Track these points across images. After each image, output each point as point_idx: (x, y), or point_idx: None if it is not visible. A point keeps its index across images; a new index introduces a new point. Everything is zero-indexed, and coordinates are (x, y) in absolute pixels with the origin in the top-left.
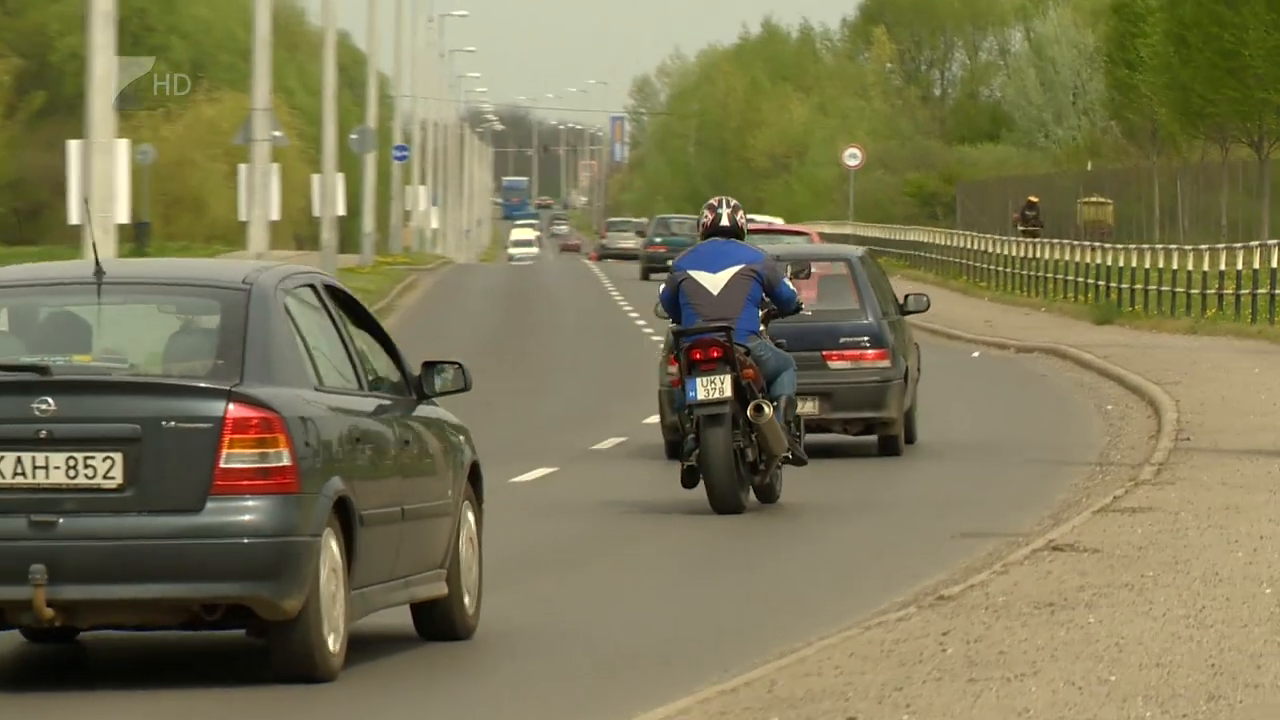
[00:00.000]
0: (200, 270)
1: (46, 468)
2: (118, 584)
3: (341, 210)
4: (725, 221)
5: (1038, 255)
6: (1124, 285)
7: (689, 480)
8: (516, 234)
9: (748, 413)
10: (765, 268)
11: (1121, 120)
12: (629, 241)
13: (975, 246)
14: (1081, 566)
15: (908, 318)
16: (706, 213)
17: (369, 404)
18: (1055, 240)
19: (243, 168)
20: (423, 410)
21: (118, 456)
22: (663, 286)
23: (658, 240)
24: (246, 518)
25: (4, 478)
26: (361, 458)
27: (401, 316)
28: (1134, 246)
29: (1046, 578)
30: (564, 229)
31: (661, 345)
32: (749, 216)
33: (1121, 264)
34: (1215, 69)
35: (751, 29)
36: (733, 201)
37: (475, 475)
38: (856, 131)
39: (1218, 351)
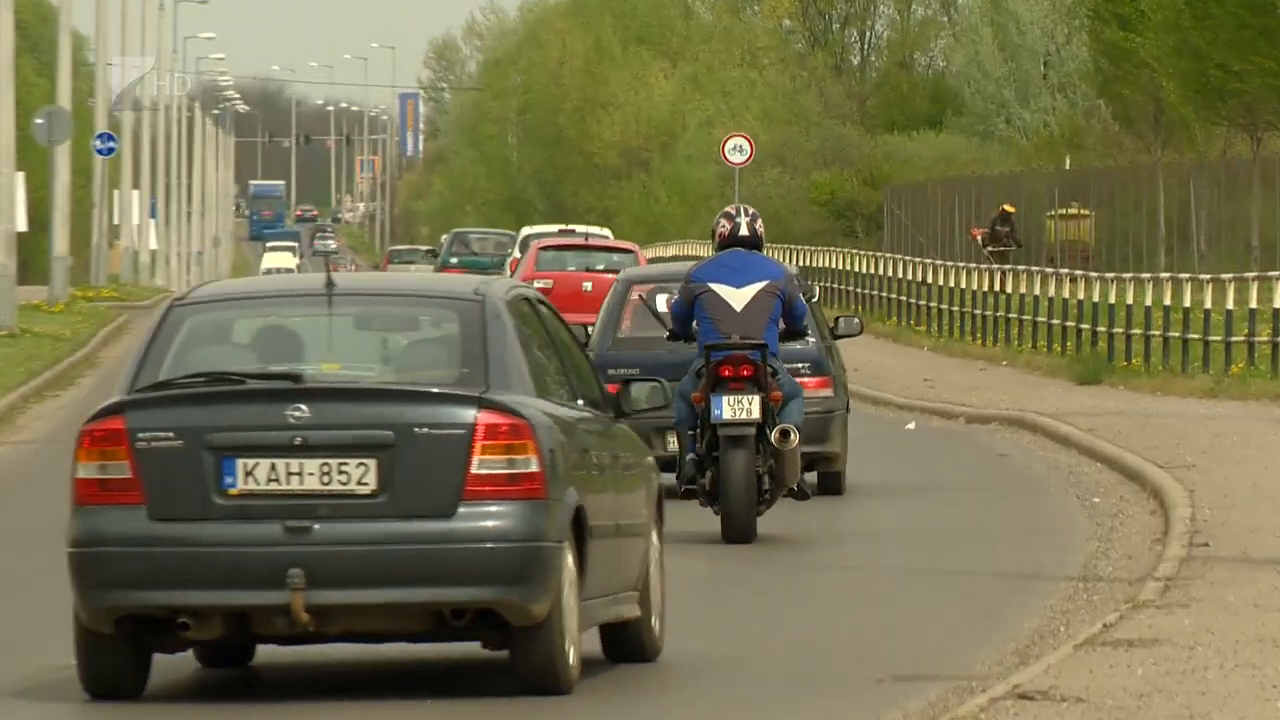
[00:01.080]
0: (427, 283)
1: (301, 474)
2: (372, 588)
3: (22, 225)
4: (744, 231)
5: (996, 288)
6: (1116, 329)
7: (689, 496)
8: (270, 260)
9: (773, 437)
10: (787, 284)
11: (1112, 99)
12: None
13: (910, 275)
14: None
15: (838, 343)
16: (724, 221)
17: (586, 417)
18: (1021, 268)
19: None
20: (620, 427)
21: (371, 463)
22: (672, 296)
23: (454, 262)
24: (497, 523)
25: (259, 484)
26: (588, 469)
27: (108, 374)
28: (1130, 276)
29: None
30: (330, 244)
31: None
32: (570, 228)
33: (1113, 300)
34: (1242, 29)
35: None
36: (750, 210)
37: (660, 497)
38: (743, 115)
39: (1247, 421)
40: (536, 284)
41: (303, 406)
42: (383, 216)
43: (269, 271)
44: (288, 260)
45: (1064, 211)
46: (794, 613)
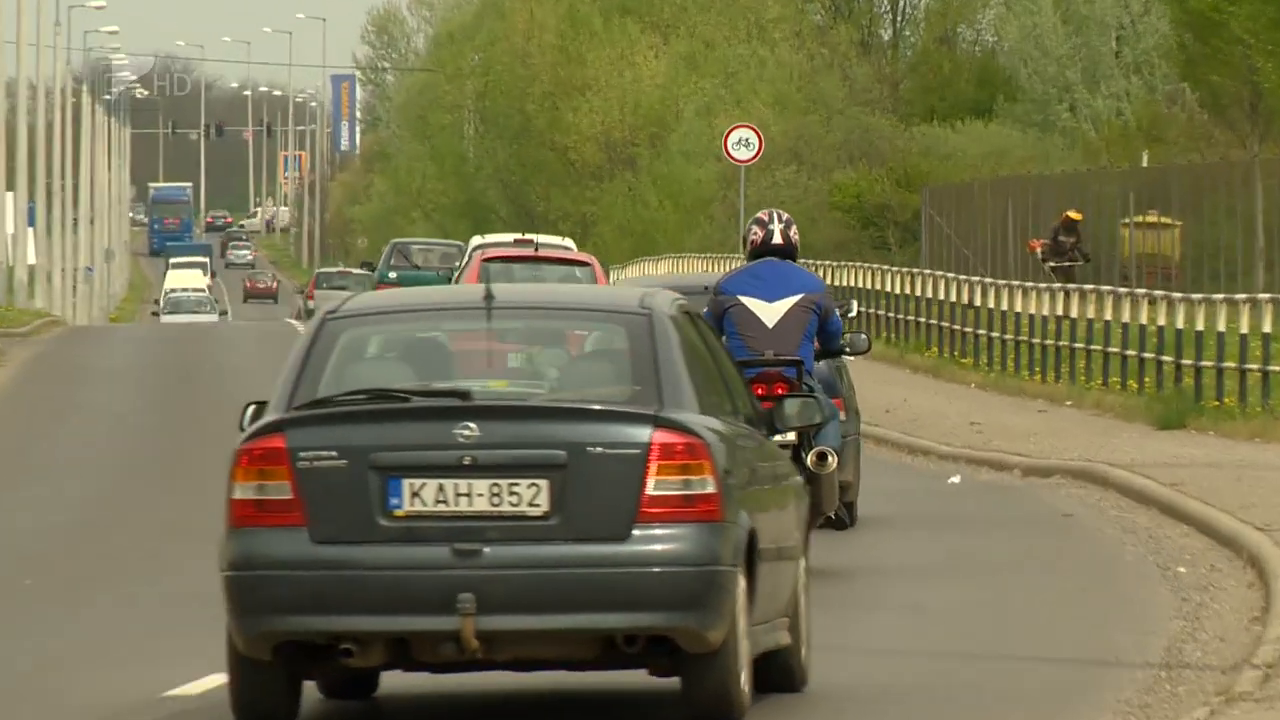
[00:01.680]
0: (591, 296)
1: (470, 495)
2: (544, 614)
3: None
4: (778, 239)
5: (1059, 312)
6: (1205, 362)
7: None
8: (175, 279)
9: (809, 460)
10: (824, 298)
11: (1198, 83)
12: None
13: (953, 296)
14: None
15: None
16: (755, 229)
17: (745, 433)
18: (1089, 287)
19: None
20: (772, 445)
21: (543, 483)
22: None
23: (392, 276)
24: (673, 546)
25: (426, 505)
26: (756, 489)
27: None
28: (1221, 297)
29: None
30: (245, 254)
31: None
32: (528, 237)
33: (1200, 326)
34: None
35: None
36: (784, 215)
37: (809, 518)
38: (750, 101)
39: None
40: None
41: (471, 425)
42: (311, 224)
43: (172, 293)
44: (197, 279)
45: (1141, 219)
46: (823, 692)
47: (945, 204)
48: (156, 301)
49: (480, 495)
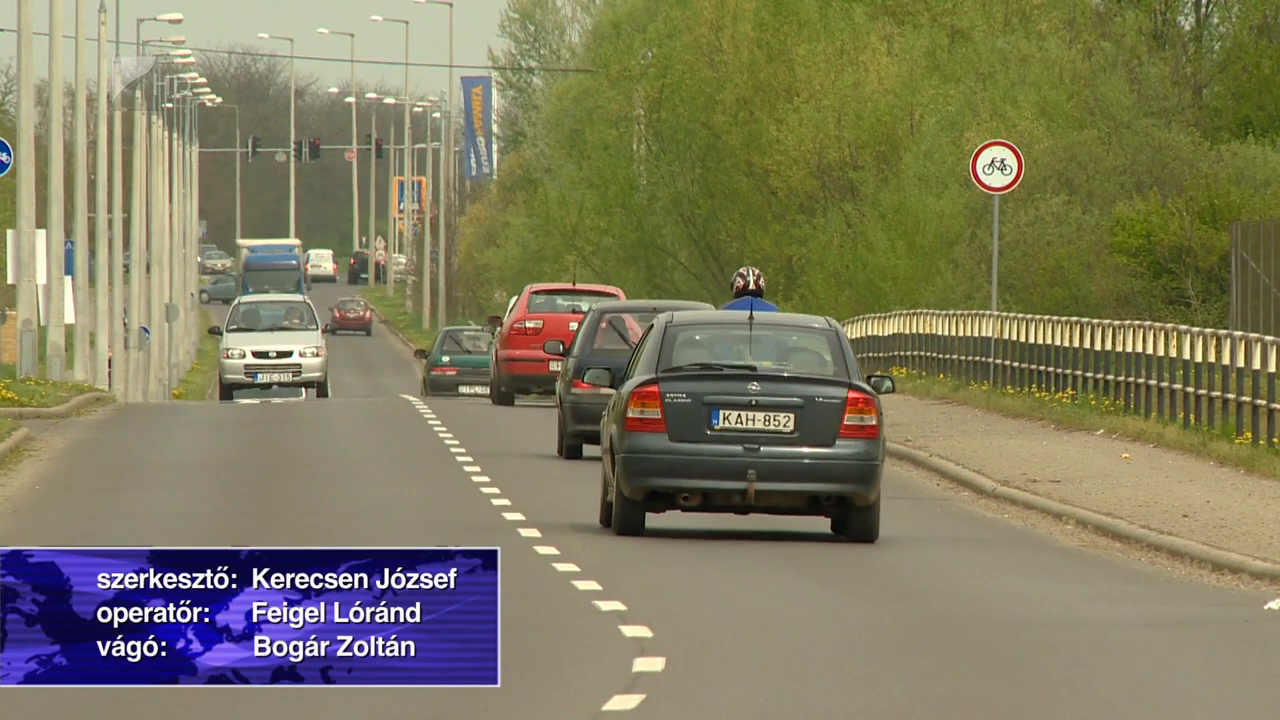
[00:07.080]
0: (800, 318)
1: (754, 420)
2: (790, 483)
3: None
4: (752, 286)
5: None
6: None
7: None
8: (240, 339)
9: None
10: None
11: None
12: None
13: (1271, 365)
14: None
15: None
16: (737, 279)
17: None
18: None
19: None
20: None
21: (792, 415)
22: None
23: (445, 360)
24: (856, 450)
25: (730, 425)
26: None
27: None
28: None
29: None
30: (324, 268)
31: (566, 371)
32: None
33: None
34: None
35: None
36: (755, 270)
37: None
38: (1007, 111)
39: None
40: (528, 324)
41: (756, 384)
42: (434, 271)
43: (232, 356)
44: (285, 337)
45: None
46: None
47: (1263, 245)
48: (229, 375)
49: (760, 420)
